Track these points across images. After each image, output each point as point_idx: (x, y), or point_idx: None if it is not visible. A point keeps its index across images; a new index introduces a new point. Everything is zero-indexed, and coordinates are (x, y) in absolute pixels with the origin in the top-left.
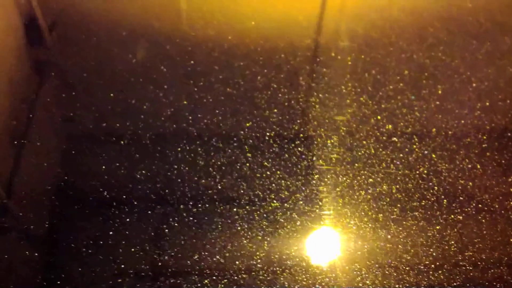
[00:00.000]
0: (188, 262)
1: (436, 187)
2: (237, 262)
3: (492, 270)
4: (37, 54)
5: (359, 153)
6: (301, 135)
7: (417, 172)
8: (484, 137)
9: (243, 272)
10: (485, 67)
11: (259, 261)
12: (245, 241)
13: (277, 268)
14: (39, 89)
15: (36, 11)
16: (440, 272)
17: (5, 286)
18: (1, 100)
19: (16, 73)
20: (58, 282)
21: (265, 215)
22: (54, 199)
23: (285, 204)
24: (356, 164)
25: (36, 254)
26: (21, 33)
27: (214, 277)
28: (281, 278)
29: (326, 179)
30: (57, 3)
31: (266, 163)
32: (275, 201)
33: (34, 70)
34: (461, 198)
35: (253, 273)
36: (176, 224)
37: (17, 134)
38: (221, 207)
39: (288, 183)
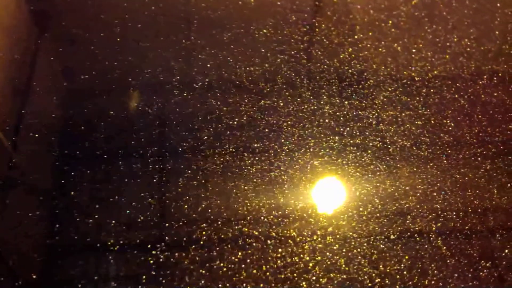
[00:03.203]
0: (195, 211)
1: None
2: (243, 211)
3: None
4: (37, 4)
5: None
6: (308, 82)
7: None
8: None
9: (249, 221)
10: None
11: (265, 210)
12: (251, 189)
13: (283, 216)
14: (40, 40)
15: None
16: (442, 218)
17: (13, 238)
18: (2, 52)
19: (16, 24)
20: (65, 233)
21: (271, 162)
22: (58, 151)
23: (291, 152)
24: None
25: (43, 205)
26: None
27: (220, 226)
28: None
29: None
30: None
31: (268, 111)
32: (280, 149)
33: (35, 21)
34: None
35: (259, 221)
36: (182, 174)
37: (20, 86)
38: (227, 156)
39: (296, 130)
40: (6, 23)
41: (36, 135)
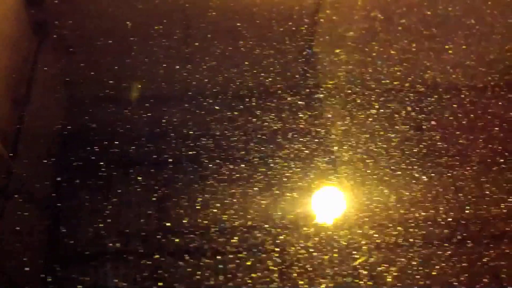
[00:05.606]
0: (193, 221)
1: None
2: (242, 220)
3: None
4: (36, 14)
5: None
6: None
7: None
8: None
9: (249, 229)
10: None
11: (266, 218)
12: (249, 199)
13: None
14: (39, 50)
15: None
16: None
17: (11, 248)
18: (2, 62)
19: (16, 34)
20: (62, 244)
21: (269, 172)
22: (57, 161)
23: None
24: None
25: (41, 216)
26: None
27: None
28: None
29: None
30: None
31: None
32: (279, 157)
33: (34, 31)
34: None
35: (259, 230)
36: (180, 184)
37: (19, 96)
38: (224, 164)
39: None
40: (5, 33)
41: (35, 145)
